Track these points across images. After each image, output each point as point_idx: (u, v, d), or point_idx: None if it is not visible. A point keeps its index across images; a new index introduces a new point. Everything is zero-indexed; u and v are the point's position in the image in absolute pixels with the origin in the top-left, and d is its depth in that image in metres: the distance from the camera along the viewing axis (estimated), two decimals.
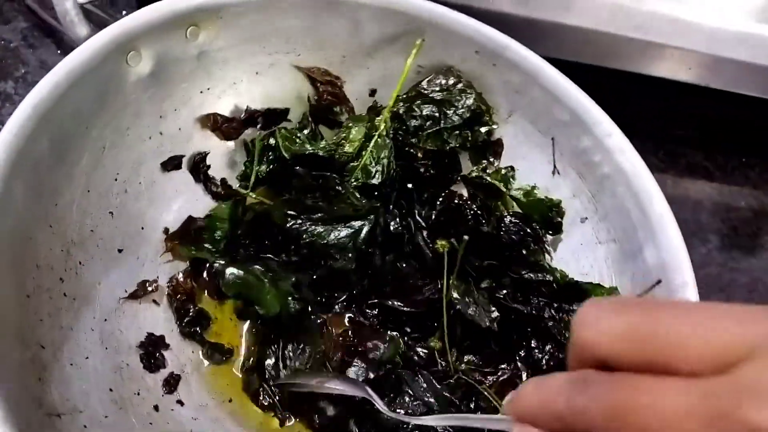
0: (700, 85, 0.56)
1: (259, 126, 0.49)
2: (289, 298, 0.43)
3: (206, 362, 0.42)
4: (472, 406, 0.40)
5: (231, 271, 0.43)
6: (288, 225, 0.43)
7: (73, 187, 0.39)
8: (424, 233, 0.45)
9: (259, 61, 0.47)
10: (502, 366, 0.43)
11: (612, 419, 0.18)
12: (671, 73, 0.56)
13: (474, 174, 0.49)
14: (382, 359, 0.42)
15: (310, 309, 0.44)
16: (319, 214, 0.43)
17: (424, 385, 0.40)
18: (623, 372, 0.19)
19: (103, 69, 0.38)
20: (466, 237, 0.40)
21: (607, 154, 0.43)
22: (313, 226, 0.43)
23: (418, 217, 0.46)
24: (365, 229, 0.43)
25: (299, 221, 0.43)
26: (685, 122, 0.63)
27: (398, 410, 0.40)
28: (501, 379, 0.43)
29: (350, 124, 0.46)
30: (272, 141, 0.47)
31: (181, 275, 0.44)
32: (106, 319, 0.40)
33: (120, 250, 0.42)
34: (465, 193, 0.49)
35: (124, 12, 0.57)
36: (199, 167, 0.47)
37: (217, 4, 0.42)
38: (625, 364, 0.19)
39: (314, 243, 0.42)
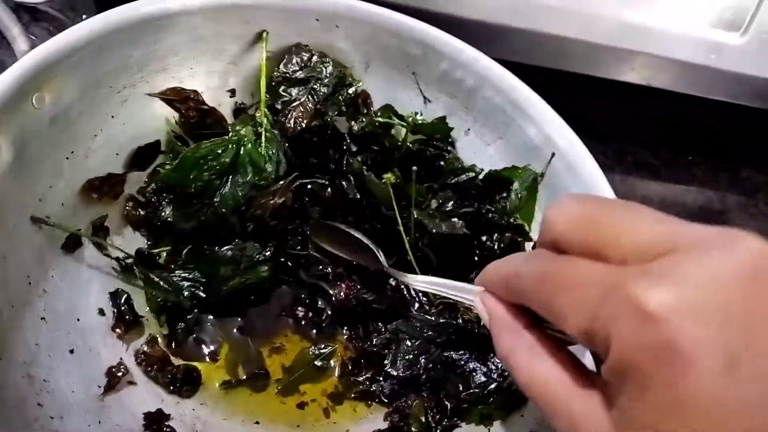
0: (644, 85, 0.58)
1: (136, 169, 0.46)
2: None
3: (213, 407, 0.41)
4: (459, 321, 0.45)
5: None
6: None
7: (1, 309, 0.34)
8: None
9: (113, 103, 0.44)
10: (471, 276, 0.47)
11: (538, 281, 0.22)
12: (616, 74, 0.58)
13: (356, 129, 0.51)
14: None
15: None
16: None
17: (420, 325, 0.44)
18: (567, 254, 0.22)
19: None
20: (414, 168, 0.43)
21: (466, 69, 0.48)
22: None
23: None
24: None
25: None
26: (631, 121, 0.64)
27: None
28: None
29: (237, 127, 0.46)
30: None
31: (145, 347, 0.41)
32: (100, 421, 0.37)
33: (71, 351, 0.39)
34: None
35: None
36: (99, 235, 0.44)
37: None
38: (573, 246, 0.21)
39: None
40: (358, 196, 0.46)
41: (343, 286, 0.46)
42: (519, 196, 0.47)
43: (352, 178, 0.48)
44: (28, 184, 0.39)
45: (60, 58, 0.39)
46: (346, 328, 0.47)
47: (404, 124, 0.51)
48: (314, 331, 0.47)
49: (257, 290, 0.46)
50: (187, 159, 0.43)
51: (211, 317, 0.45)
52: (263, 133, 0.47)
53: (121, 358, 0.40)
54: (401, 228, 0.45)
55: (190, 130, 0.48)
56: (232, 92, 0.51)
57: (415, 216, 0.45)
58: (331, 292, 0.46)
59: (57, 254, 0.41)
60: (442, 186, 0.49)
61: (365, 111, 0.52)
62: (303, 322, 0.47)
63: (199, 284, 0.44)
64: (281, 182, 0.46)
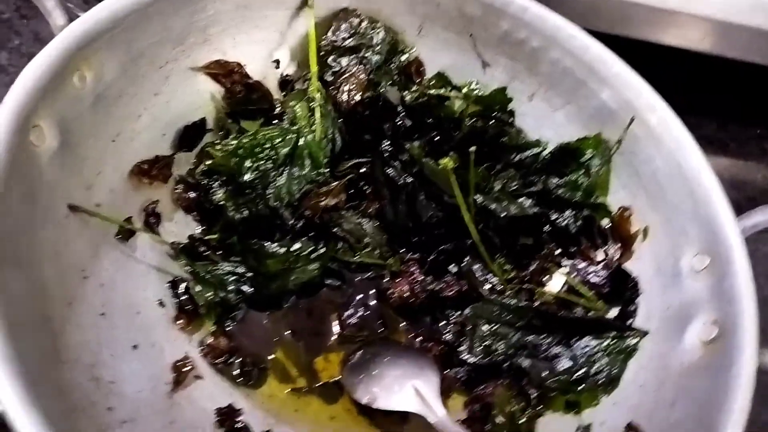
0: (714, 54, 0.54)
1: (184, 149, 0.43)
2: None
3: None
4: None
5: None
6: None
7: (57, 308, 0.32)
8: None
9: (155, 80, 0.41)
10: (535, 259, 0.44)
11: None
12: (684, 42, 0.54)
13: (408, 100, 0.48)
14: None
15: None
16: None
17: (497, 309, 0.41)
18: None
19: (8, 163, 0.30)
20: (472, 149, 0.39)
21: (531, 28, 0.45)
22: None
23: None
24: None
25: None
26: (697, 92, 0.59)
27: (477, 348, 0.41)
28: (534, 269, 0.45)
29: (292, 102, 0.43)
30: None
31: (210, 338, 0.39)
32: (171, 422, 0.35)
33: (134, 347, 0.36)
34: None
35: None
36: (151, 222, 0.41)
37: (90, 34, 0.35)
38: None
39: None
40: (410, 180, 0.43)
41: (404, 281, 0.43)
42: (594, 168, 0.43)
43: (399, 165, 0.44)
44: (76, 172, 0.36)
45: (101, 31, 0.36)
46: (406, 322, 0.44)
47: (460, 95, 0.47)
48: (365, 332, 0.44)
49: (306, 289, 0.43)
50: (244, 146, 0.40)
51: (260, 316, 0.42)
52: (317, 109, 0.43)
53: (186, 352, 0.38)
54: (466, 215, 0.41)
55: (236, 105, 0.45)
56: (277, 63, 0.47)
57: (480, 200, 0.42)
58: (391, 290, 0.43)
59: (110, 245, 0.38)
60: (505, 165, 0.45)
61: (418, 80, 0.49)
62: (355, 322, 0.44)
63: (246, 279, 0.41)
64: (335, 183, 0.43)
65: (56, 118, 0.34)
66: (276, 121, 0.46)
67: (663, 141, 0.41)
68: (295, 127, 0.42)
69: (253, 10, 0.44)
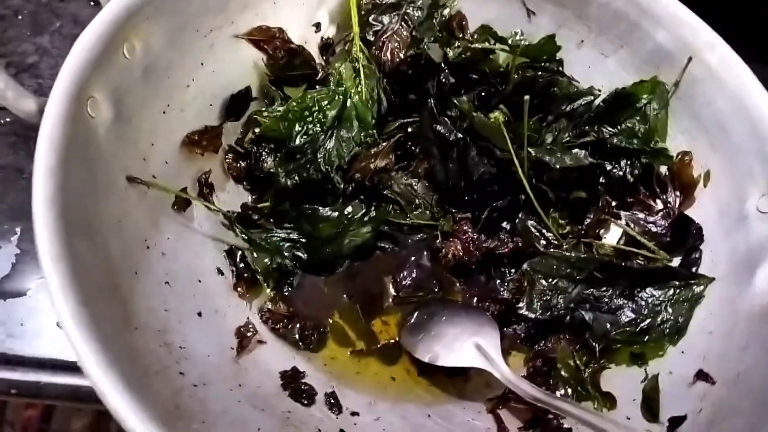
0: None
1: (231, 119, 0.43)
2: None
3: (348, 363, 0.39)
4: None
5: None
6: None
7: (124, 277, 0.32)
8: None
9: (199, 48, 0.41)
10: (591, 212, 0.43)
11: None
12: None
13: (452, 56, 0.47)
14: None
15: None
16: None
17: (556, 263, 0.40)
18: None
19: (67, 134, 0.30)
20: (526, 96, 0.38)
21: None
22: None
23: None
24: None
25: None
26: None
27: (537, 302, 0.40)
28: (590, 222, 0.44)
29: (336, 64, 0.42)
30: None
31: (269, 304, 0.39)
32: (240, 385, 0.35)
33: (199, 314, 0.37)
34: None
35: None
36: (205, 192, 0.41)
37: (137, 3, 0.35)
38: None
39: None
40: (461, 137, 0.42)
41: (458, 241, 0.43)
42: (651, 113, 0.42)
43: (448, 121, 0.43)
44: (131, 143, 0.36)
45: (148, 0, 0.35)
46: (460, 281, 0.43)
47: (506, 48, 0.46)
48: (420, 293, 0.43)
49: (359, 252, 0.43)
50: (292, 110, 0.40)
51: (317, 281, 0.42)
52: (361, 69, 0.43)
53: (247, 318, 0.39)
54: (519, 169, 0.41)
55: (279, 71, 0.45)
56: (318, 26, 0.46)
57: (533, 153, 0.41)
58: (444, 250, 0.43)
59: (169, 215, 0.38)
60: (557, 115, 0.44)
61: (461, 35, 0.48)
62: (409, 283, 0.43)
63: (300, 244, 0.41)
64: (383, 144, 0.42)
65: (109, 89, 0.34)
66: (319, 86, 0.45)
67: (724, 81, 0.39)
68: (341, 89, 0.41)
69: None
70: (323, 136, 0.41)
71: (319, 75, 0.46)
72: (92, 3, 0.55)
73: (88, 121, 0.32)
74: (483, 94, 0.45)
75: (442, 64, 0.46)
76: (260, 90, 0.45)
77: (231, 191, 0.43)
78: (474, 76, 0.46)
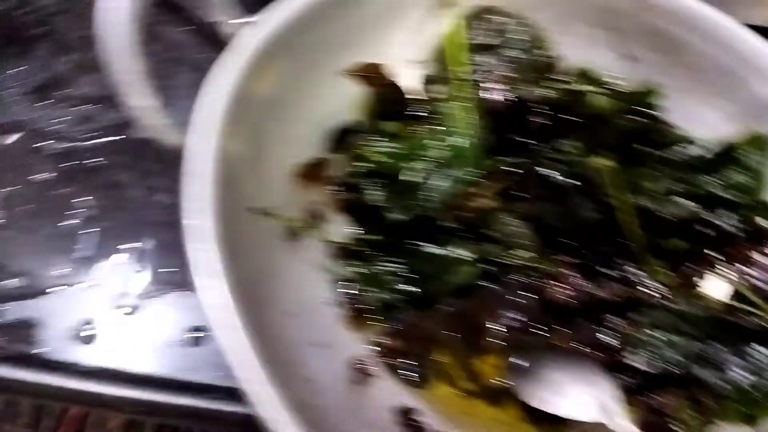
0: None
1: (338, 151, 0.44)
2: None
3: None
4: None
5: None
6: None
7: (252, 307, 0.32)
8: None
9: (312, 83, 0.42)
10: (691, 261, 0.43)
11: None
12: None
13: (546, 96, 0.47)
14: None
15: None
16: None
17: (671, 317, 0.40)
18: None
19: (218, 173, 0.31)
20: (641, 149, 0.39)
21: (680, 20, 0.44)
22: None
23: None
24: None
25: None
26: None
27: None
28: (690, 272, 0.44)
29: (444, 105, 0.43)
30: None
31: (378, 337, 0.39)
32: (358, 419, 0.35)
33: (317, 345, 0.37)
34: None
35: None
36: (314, 224, 0.41)
37: (270, 40, 0.36)
38: None
39: None
40: (572, 182, 0.42)
41: (561, 284, 0.43)
42: (756, 167, 0.42)
43: (553, 164, 0.43)
44: (252, 175, 0.37)
45: (278, 38, 0.36)
46: (563, 325, 0.43)
47: (603, 91, 0.46)
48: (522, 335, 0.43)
49: (462, 290, 0.42)
50: (404, 148, 0.40)
51: (421, 316, 0.42)
52: (467, 109, 0.43)
53: (360, 351, 0.38)
54: (625, 216, 0.41)
55: (380, 106, 0.45)
56: (418, 63, 0.47)
57: (638, 201, 0.41)
58: (546, 291, 0.43)
59: (283, 246, 0.38)
60: (656, 162, 0.44)
61: (558, 76, 0.48)
62: (510, 324, 0.43)
63: (407, 279, 0.41)
64: (487, 182, 0.42)
65: (248, 124, 0.34)
66: (419, 122, 0.46)
67: None
68: (451, 129, 0.42)
69: (396, 10, 0.44)
70: (433, 174, 0.41)
71: (419, 111, 0.46)
72: (185, 28, 0.55)
73: (228, 159, 0.33)
74: (582, 135, 0.46)
75: (539, 105, 0.46)
76: (362, 123, 0.45)
77: (338, 222, 0.43)
78: (570, 117, 0.46)
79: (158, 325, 0.41)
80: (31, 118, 0.49)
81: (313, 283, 0.39)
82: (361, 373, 0.37)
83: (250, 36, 0.36)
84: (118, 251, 0.43)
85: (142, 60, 0.31)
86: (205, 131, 0.31)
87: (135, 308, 0.41)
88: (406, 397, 0.38)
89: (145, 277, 0.42)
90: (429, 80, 0.47)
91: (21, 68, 0.52)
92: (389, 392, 0.38)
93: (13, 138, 0.48)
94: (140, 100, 0.33)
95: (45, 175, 0.46)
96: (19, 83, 0.51)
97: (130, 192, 0.46)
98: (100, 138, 0.48)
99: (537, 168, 0.43)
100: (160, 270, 0.43)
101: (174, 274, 0.43)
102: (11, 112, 0.49)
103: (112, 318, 0.41)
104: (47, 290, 0.42)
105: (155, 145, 0.36)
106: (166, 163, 0.46)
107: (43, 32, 0.55)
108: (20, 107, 0.50)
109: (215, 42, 0.39)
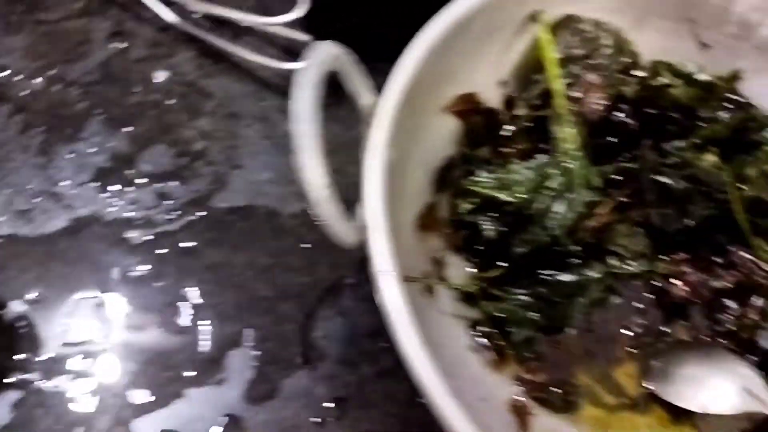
0: None
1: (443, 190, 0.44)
2: None
3: None
4: None
5: None
6: None
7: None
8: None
9: (415, 127, 0.41)
10: None
11: None
12: None
13: (629, 94, 0.47)
14: None
15: None
16: None
17: None
18: None
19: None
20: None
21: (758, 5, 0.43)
22: None
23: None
24: None
25: None
26: None
27: None
28: None
29: (554, 127, 0.42)
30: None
31: (523, 373, 0.40)
32: None
33: (482, 399, 0.38)
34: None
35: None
36: (439, 271, 0.42)
37: (399, 114, 0.35)
38: None
39: None
40: (686, 185, 0.43)
41: (681, 282, 0.44)
42: None
43: (664, 167, 0.44)
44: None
45: (402, 99, 0.35)
46: (685, 321, 0.45)
47: (683, 82, 0.46)
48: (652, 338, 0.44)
49: (589, 308, 0.43)
50: (529, 182, 0.40)
51: (555, 342, 0.43)
52: (573, 127, 0.43)
53: (511, 392, 0.39)
54: (739, 209, 0.42)
55: (475, 135, 0.45)
56: (503, 83, 0.46)
57: (748, 191, 0.42)
58: (669, 291, 0.44)
59: (423, 304, 0.39)
60: (755, 147, 0.45)
61: (637, 73, 0.48)
62: (639, 331, 0.44)
63: (537, 309, 0.42)
64: (602, 201, 0.43)
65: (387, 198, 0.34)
66: (508, 142, 0.46)
67: None
68: (564, 154, 0.42)
69: (484, 36, 0.43)
70: (551, 202, 0.41)
71: (506, 131, 0.46)
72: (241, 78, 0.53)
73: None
74: (672, 130, 0.46)
75: (622, 104, 0.46)
76: (460, 156, 0.45)
77: (452, 264, 0.43)
78: (653, 111, 0.46)
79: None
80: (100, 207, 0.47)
81: (454, 334, 0.40)
82: (523, 414, 0.38)
83: (383, 108, 0.34)
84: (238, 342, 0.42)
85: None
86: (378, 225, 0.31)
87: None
88: (563, 428, 0.40)
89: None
90: (512, 100, 0.47)
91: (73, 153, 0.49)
92: (552, 427, 0.39)
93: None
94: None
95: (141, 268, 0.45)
96: (77, 168, 0.48)
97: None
98: (184, 216, 0.46)
99: (647, 174, 0.43)
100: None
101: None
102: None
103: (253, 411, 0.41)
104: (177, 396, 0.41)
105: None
106: (254, 234, 0.45)
107: (89, 106, 0.52)
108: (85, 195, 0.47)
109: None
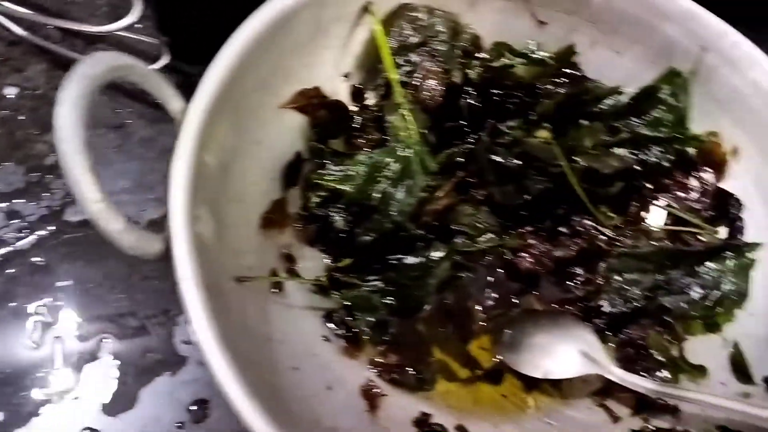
0: None
1: (291, 186, 0.44)
2: None
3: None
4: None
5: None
6: None
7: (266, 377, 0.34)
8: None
9: (254, 130, 0.41)
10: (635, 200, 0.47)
11: None
12: None
13: (474, 77, 0.48)
14: None
15: None
16: None
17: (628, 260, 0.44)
18: None
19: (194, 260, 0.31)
20: (585, 122, 0.41)
21: None
22: None
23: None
24: None
25: None
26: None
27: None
28: (636, 209, 0.48)
29: (389, 117, 0.44)
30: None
31: (377, 357, 0.42)
32: None
33: (329, 388, 0.39)
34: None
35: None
36: (290, 266, 0.42)
37: (210, 109, 0.35)
38: None
39: None
40: (518, 162, 0.44)
41: (527, 255, 0.46)
42: (675, 103, 0.46)
43: (501, 149, 0.45)
44: (226, 244, 0.37)
45: (217, 101, 0.35)
46: (535, 290, 0.47)
47: (525, 61, 0.48)
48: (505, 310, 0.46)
49: (441, 287, 0.45)
50: (366, 175, 0.41)
51: (410, 323, 0.44)
52: (409, 115, 0.44)
53: (365, 376, 0.41)
54: (574, 181, 0.44)
55: (322, 129, 0.45)
56: (347, 76, 0.47)
57: (582, 163, 0.44)
58: (516, 264, 0.46)
59: (271, 300, 0.39)
60: (589, 118, 0.47)
61: (477, 55, 0.49)
62: (492, 304, 0.46)
63: (389, 293, 0.43)
64: (445, 183, 0.44)
65: (207, 201, 0.34)
66: (358, 133, 0.47)
67: (738, 64, 0.43)
68: (399, 142, 0.43)
69: (320, 31, 0.43)
70: (392, 190, 0.42)
71: (356, 122, 0.47)
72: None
73: (202, 241, 0.33)
74: (513, 109, 0.48)
75: (467, 87, 0.48)
76: (309, 151, 0.45)
77: (307, 257, 0.44)
78: (498, 91, 0.48)
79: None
80: None
81: (305, 326, 0.41)
82: (373, 397, 0.39)
83: (193, 111, 0.34)
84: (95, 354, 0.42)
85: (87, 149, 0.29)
86: (180, 232, 0.31)
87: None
88: (420, 406, 0.41)
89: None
90: (359, 91, 0.47)
91: None
92: (401, 406, 0.41)
93: None
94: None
95: None
96: None
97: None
98: (34, 233, 0.45)
99: (483, 155, 0.45)
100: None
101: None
102: None
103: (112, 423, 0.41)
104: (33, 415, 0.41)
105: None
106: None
107: None
108: None
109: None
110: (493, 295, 0.46)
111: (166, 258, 0.31)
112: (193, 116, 0.33)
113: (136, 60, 0.31)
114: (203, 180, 0.34)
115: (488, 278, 0.47)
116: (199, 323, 0.28)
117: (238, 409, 0.28)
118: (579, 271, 0.47)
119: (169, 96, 0.33)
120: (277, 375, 0.35)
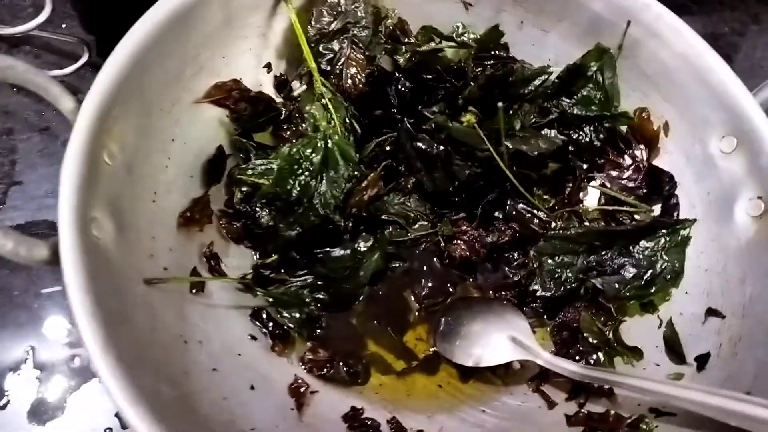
0: None
1: (214, 183, 0.43)
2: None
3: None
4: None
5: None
6: None
7: (179, 380, 0.33)
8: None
9: (167, 126, 0.40)
10: (569, 180, 0.46)
11: None
12: None
13: (402, 62, 0.47)
14: None
15: None
16: None
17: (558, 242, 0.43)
18: None
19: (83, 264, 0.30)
20: (500, 104, 0.40)
21: None
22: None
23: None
24: None
25: None
26: None
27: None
28: (570, 191, 0.47)
29: (307, 107, 0.42)
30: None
31: (308, 354, 0.41)
32: None
33: (252, 387, 0.38)
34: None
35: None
36: (213, 265, 0.41)
37: (103, 106, 0.34)
38: None
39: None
40: (442, 149, 0.43)
41: (461, 242, 0.45)
42: (603, 80, 0.45)
43: (426, 135, 0.44)
44: (136, 246, 0.36)
45: (112, 98, 0.34)
46: (471, 277, 0.46)
47: (453, 44, 0.47)
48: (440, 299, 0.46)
49: (374, 278, 0.44)
50: (283, 168, 0.40)
51: (343, 316, 0.43)
52: (329, 104, 0.43)
53: (294, 374, 0.40)
54: (500, 163, 0.43)
55: (244, 123, 0.44)
56: (269, 67, 0.46)
57: (510, 146, 0.43)
58: (449, 251, 0.45)
59: (190, 300, 0.38)
60: (518, 100, 0.46)
61: (406, 40, 0.48)
62: (427, 292, 0.45)
63: (318, 288, 0.43)
64: (371, 173, 0.43)
65: (105, 203, 0.33)
66: (285, 125, 0.46)
67: (664, 37, 0.43)
68: (319, 132, 0.42)
69: (234, 21, 0.42)
70: (314, 182, 0.41)
71: (283, 114, 0.46)
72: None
73: (96, 244, 0.32)
74: (443, 93, 0.47)
75: (396, 73, 0.46)
76: (232, 145, 0.44)
77: (234, 255, 0.43)
78: (428, 76, 0.47)
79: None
80: None
81: (229, 325, 0.40)
82: (301, 395, 0.39)
83: (84, 110, 0.33)
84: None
85: None
86: (68, 235, 0.30)
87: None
88: (351, 400, 0.40)
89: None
90: (282, 81, 0.46)
91: None
92: (332, 402, 0.40)
93: None
94: None
95: None
96: None
97: None
98: None
99: (407, 142, 0.44)
100: None
101: None
102: None
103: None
104: None
105: None
106: None
107: None
108: None
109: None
110: (429, 284, 0.45)
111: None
112: (85, 115, 0.32)
113: (16, 60, 0.30)
114: (101, 180, 0.33)
115: (423, 267, 0.46)
116: (84, 329, 0.27)
117: (124, 415, 0.26)
118: (515, 256, 0.46)
119: (57, 96, 0.32)
120: (190, 377, 0.34)
